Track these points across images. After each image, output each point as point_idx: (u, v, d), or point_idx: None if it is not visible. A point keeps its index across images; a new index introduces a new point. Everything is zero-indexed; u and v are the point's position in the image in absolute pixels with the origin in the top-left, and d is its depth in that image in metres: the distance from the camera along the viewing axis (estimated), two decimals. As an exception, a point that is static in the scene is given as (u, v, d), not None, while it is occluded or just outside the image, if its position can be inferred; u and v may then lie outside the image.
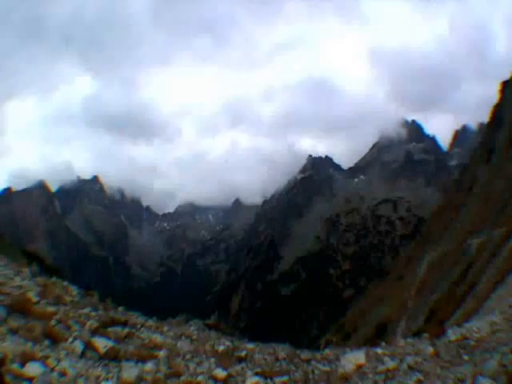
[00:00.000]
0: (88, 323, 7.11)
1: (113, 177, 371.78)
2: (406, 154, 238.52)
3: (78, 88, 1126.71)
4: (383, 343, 9.63)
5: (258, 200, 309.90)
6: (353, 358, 7.53)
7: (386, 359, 7.71)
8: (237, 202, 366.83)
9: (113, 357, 6.03)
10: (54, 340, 5.95)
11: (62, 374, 5.07)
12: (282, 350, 8.67)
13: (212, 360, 7.31)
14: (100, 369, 5.58)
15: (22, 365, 4.86)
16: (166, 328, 9.59)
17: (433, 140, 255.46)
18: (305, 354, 8.45)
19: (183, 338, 9.03)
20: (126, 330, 7.75)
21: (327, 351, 8.85)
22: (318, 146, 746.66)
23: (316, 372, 7.31)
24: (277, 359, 8.03)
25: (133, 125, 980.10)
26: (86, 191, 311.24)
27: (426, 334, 9.83)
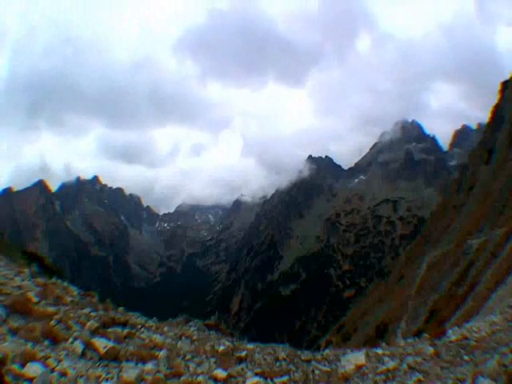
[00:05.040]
0: (88, 323, 7.10)
1: (113, 178, 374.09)
2: (406, 153, 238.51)
3: (92, 131, 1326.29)
4: (383, 343, 9.64)
5: (258, 200, 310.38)
6: (353, 359, 7.53)
7: (386, 359, 7.70)
8: (237, 202, 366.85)
9: (113, 357, 6.03)
10: (54, 340, 5.95)
11: (62, 374, 5.07)
12: (282, 351, 8.68)
13: (212, 360, 7.32)
14: (100, 369, 5.57)
15: (23, 365, 4.86)
16: (166, 328, 9.60)
17: (433, 140, 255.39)
18: (305, 355, 8.45)
19: (183, 338, 9.04)
20: (126, 331, 7.75)
21: (327, 351, 8.85)
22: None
23: (316, 372, 7.31)
24: (277, 359, 8.03)
25: (135, 150, 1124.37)
26: (86, 191, 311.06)
27: (426, 334, 9.84)
